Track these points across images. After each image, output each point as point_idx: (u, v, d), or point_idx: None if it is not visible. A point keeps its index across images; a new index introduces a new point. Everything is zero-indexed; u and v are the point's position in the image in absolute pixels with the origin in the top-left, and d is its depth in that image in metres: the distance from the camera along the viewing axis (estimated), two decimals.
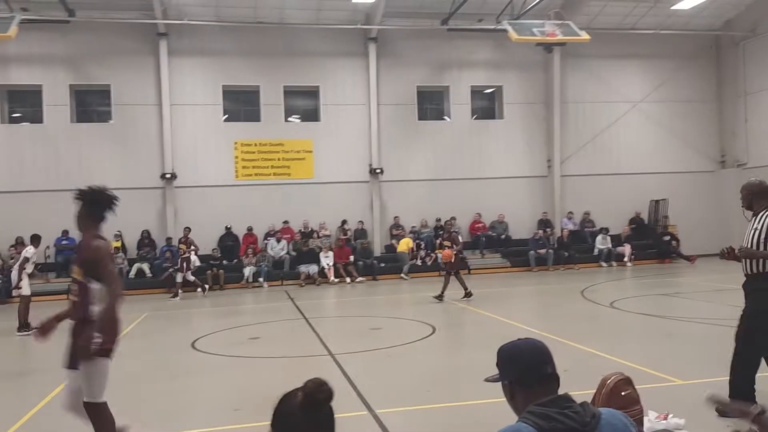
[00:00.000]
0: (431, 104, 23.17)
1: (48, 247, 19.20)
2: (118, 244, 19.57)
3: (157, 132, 20.40)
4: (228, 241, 20.43)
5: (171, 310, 15.31)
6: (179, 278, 17.60)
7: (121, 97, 20.29)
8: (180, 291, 17.34)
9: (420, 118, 22.48)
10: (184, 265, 17.74)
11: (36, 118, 20.12)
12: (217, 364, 8.70)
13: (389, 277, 19.78)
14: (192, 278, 17.79)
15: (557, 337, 8.51)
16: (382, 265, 20.44)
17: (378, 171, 21.53)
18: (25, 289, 12.09)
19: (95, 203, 4.47)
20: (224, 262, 19.69)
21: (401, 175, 21.82)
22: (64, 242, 19.36)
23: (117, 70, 20.17)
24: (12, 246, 18.32)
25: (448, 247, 14.33)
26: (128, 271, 19.13)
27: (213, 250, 19.86)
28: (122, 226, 19.64)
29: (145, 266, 19.32)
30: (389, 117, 21.86)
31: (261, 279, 19.24)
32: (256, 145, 21.15)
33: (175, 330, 12.45)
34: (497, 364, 2.17)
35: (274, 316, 13.07)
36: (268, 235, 20.69)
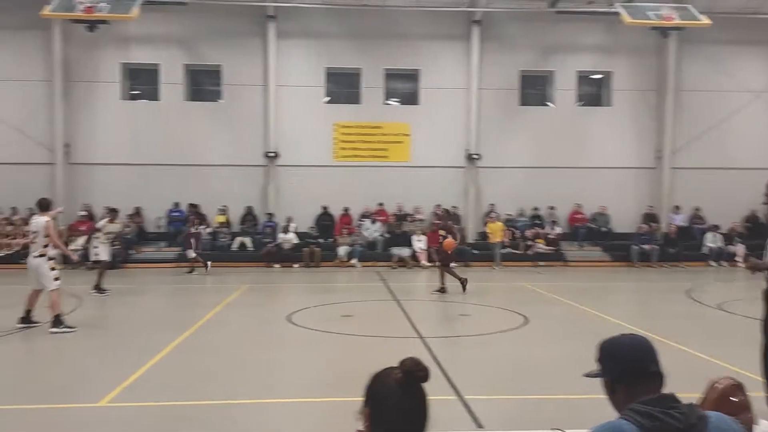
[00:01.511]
0: (534, 89, 22.54)
1: (160, 217, 20.46)
2: (224, 218, 20.56)
3: (262, 112, 21.13)
4: (324, 221, 20.92)
5: (270, 284, 15.93)
6: (191, 254, 17.57)
7: (230, 78, 21.16)
8: (196, 266, 17.48)
9: (521, 104, 21.95)
10: (193, 241, 17.69)
11: (153, 95, 21.38)
12: (310, 338, 8.97)
13: (482, 265, 19.57)
14: (193, 255, 17.51)
15: (658, 336, 8.11)
16: (475, 252, 20.24)
17: (475, 156, 21.27)
18: (102, 255, 13.25)
19: None
20: (320, 240, 20.19)
21: (499, 161, 21.45)
22: (175, 214, 20.55)
23: (228, 51, 21.02)
24: (129, 215, 19.62)
25: (444, 238, 13.41)
26: (230, 245, 20.05)
27: (310, 228, 20.41)
28: (227, 201, 20.63)
29: (248, 240, 20.15)
30: (489, 102, 21.48)
31: (354, 259, 19.60)
32: (355, 127, 21.45)
33: (273, 303, 12.95)
34: (598, 359, 2.08)
35: (367, 296, 13.29)
36: (363, 216, 21.01)
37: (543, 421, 5.36)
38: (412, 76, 21.89)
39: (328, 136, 21.36)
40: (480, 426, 5.16)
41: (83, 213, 17.79)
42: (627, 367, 1.99)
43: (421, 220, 20.81)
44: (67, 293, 12.33)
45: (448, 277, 13.40)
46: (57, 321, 9.15)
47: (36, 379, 6.87)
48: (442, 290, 13.25)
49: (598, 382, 2.09)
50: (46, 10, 17.36)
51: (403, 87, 22.35)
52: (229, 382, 6.53)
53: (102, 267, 13.17)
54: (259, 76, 21.10)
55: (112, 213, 14.03)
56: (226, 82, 21.23)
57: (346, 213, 20.98)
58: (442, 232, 13.72)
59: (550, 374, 6.98)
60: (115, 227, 13.79)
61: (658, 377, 1.99)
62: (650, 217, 21.31)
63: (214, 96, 21.67)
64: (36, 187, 18.82)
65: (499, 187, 21.48)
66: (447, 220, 14.27)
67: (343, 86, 22.12)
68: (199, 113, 21.23)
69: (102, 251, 13.25)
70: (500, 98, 21.61)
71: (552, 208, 21.35)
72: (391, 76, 21.81)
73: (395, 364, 1.86)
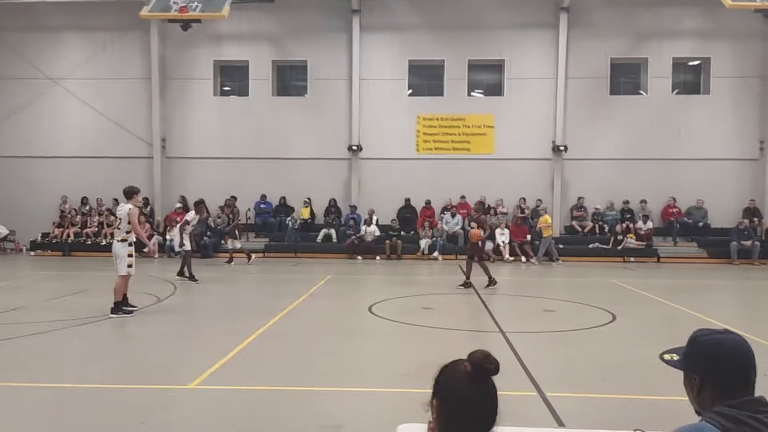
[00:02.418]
0: (626, 78, 21.63)
1: (249, 209, 21.20)
2: (308, 210, 21.04)
3: (346, 105, 21.42)
4: (406, 213, 20.99)
5: (352, 275, 16.16)
6: (237, 245, 17.88)
7: (316, 72, 21.58)
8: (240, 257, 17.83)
9: (612, 93, 21.11)
10: (237, 232, 18.04)
11: (243, 91, 22.13)
12: (390, 329, 9.03)
13: (567, 259, 19.03)
14: (239, 245, 17.90)
15: (758, 338, 7.60)
16: (561, 246, 19.70)
17: (561, 148, 20.67)
18: (188, 246, 13.87)
19: None
20: (402, 233, 20.27)
21: (587, 153, 20.77)
22: (262, 206, 21.24)
23: (313, 46, 21.45)
24: (221, 206, 20.44)
25: (474, 229, 13.06)
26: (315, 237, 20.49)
27: (392, 221, 20.53)
28: (311, 193, 21.10)
29: (332, 232, 20.53)
30: (577, 91, 20.81)
31: (436, 252, 19.55)
32: (437, 119, 21.36)
33: (355, 294, 13.13)
34: (687, 353, 1.93)
35: (447, 289, 13.23)
36: (444, 209, 20.90)
37: (626, 422, 5.15)
38: (496, 67, 21.52)
39: (411, 128, 21.38)
40: (561, 424, 5.01)
41: (179, 205, 18.68)
42: (727, 373, 1.82)
43: (504, 213, 20.48)
44: (161, 279, 13.01)
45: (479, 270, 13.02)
46: (117, 306, 9.55)
47: (132, 361, 7.29)
48: (467, 284, 12.82)
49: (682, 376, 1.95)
50: (145, 11, 18.33)
51: (487, 78, 22.03)
52: (312, 370, 6.68)
53: (187, 256, 13.77)
54: (343, 70, 21.40)
55: (198, 206, 14.64)
56: (311, 77, 21.66)
57: (428, 206, 20.94)
58: (474, 225, 13.46)
59: (637, 375, 6.69)
60: (196, 218, 14.46)
61: (752, 383, 1.84)
62: (752, 212, 20.01)
63: (300, 91, 22.17)
64: (135, 180, 19.93)
65: (587, 179, 20.81)
66: (481, 212, 13.85)
67: (426, 78, 22.06)
68: (286, 108, 21.78)
69: (187, 241, 13.87)
70: (589, 87, 20.89)
71: (644, 201, 20.44)
72: (474, 67, 21.54)
73: (464, 356, 1.83)
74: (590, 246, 19.54)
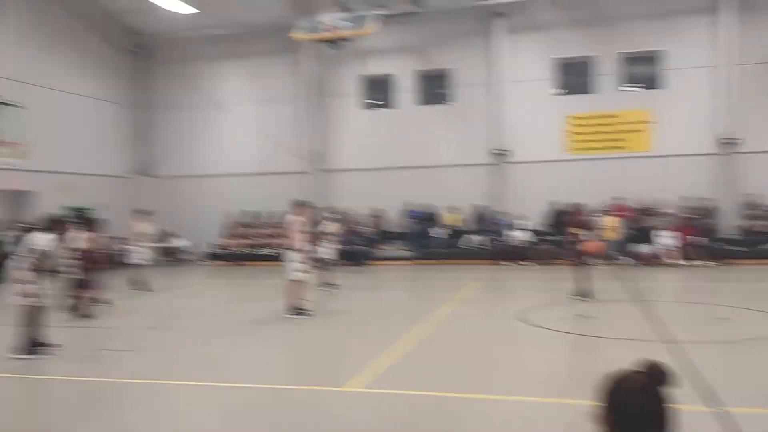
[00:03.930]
0: None
1: (395, 218, 21.61)
2: (455, 217, 21.09)
3: (490, 110, 21.22)
4: (556, 217, 20.27)
5: (500, 281, 15.94)
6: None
7: (458, 79, 21.63)
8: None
9: None
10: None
11: (388, 103, 22.74)
12: (543, 336, 8.78)
13: (742, 262, 17.34)
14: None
15: None
16: (732, 248, 17.99)
17: (730, 141, 18.91)
18: (326, 254, 14.03)
19: None
20: (551, 237, 19.60)
21: (762, 146, 18.81)
22: (409, 214, 21.60)
23: (456, 53, 21.53)
24: (370, 216, 21.11)
25: (577, 236, 11.55)
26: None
27: (541, 225, 19.94)
28: (457, 200, 21.11)
29: (478, 238, 20.38)
30: (748, 78, 18.94)
31: None
32: (588, 117, 20.48)
33: (504, 300, 12.93)
34: None
35: (603, 295, 12.60)
36: (597, 211, 19.90)
37: None
38: (649, 59, 20.21)
39: (559, 129, 20.69)
40: None
41: (329, 216, 19.47)
42: None
43: (665, 213, 19.11)
44: (313, 286, 13.62)
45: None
46: (291, 308, 10.39)
47: (300, 363, 7.74)
48: (584, 294, 11.53)
49: None
50: (296, 33, 19.43)
51: (641, 71, 20.72)
52: (465, 377, 6.67)
53: (325, 265, 14.16)
54: (486, 74, 21.24)
55: (334, 216, 15.07)
56: (454, 84, 21.73)
57: (579, 208, 20.05)
58: (573, 230, 12.03)
59: None
60: (332, 227, 14.75)
61: None
62: None
63: (444, 98, 22.32)
64: (292, 194, 21.22)
65: (763, 174, 18.83)
66: (579, 215, 12.34)
67: (572, 76, 21.24)
68: (430, 116, 22.03)
69: (326, 251, 14.28)
70: (763, 73, 18.92)
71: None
72: (625, 60, 20.38)
73: (634, 367, 1.75)
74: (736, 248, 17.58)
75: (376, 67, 22.65)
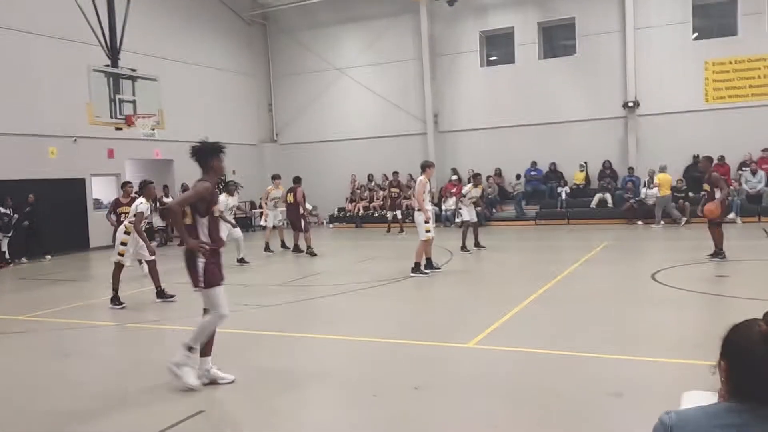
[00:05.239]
0: None
1: (518, 175, 21.16)
2: (582, 175, 20.28)
3: (619, 60, 19.99)
4: (694, 171, 18.88)
5: (632, 241, 15.21)
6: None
7: (584, 28, 20.51)
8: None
9: None
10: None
11: (508, 58, 22.05)
12: (677, 297, 8.32)
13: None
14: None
15: None
16: None
17: None
18: (465, 216, 13.86)
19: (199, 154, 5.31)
20: (690, 194, 18.33)
21: None
22: (532, 173, 21.06)
23: (581, 1, 20.38)
24: (490, 176, 20.82)
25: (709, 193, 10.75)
26: (589, 202, 19.69)
27: (678, 180, 18.69)
28: (586, 156, 20.27)
29: (607, 196, 19.50)
30: None
31: (732, 214, 17.29)
32: (730, 63, 18.71)
33: (635, 260, 12.34)
34: None
35: (748, 255, 11.67)
36: (742, 165, 18.34)
37: None
38: None
39: (698, 76, 19.10)
40: None
41: (454, 177, 19.46)
42: None
43: None
44: (439, 247, 13.74)
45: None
46: (416, 266, 10.59)
47: (419, 319, 7.94)
48: (717, 254, 10.83)
49: None
50: None
51: None
52: (590, 336, 6.51)
53: (466, 227, 14.17)
54: (615, 21, 19.98)
55: (476, 178, 14.83)
56: (579, 34, 20.64)
57: (721, 162, 18.56)
58: (706, 187, 11.25)
59: None
60: (477, 192, 14.59)
61: None
62: None
63: (568, 50, 21.31)
64: (411, 155, 21.42)
65: None
66: (711, 170, 11.13)
67: (713, 18, 19.44)
68: (554, 70, 21.14)
69: (465, 212, 14.21)
70: None
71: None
72: None
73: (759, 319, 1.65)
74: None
75: (496, 22, 22.00)
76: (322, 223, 24.04)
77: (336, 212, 23.48)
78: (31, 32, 16.87)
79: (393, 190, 20.07)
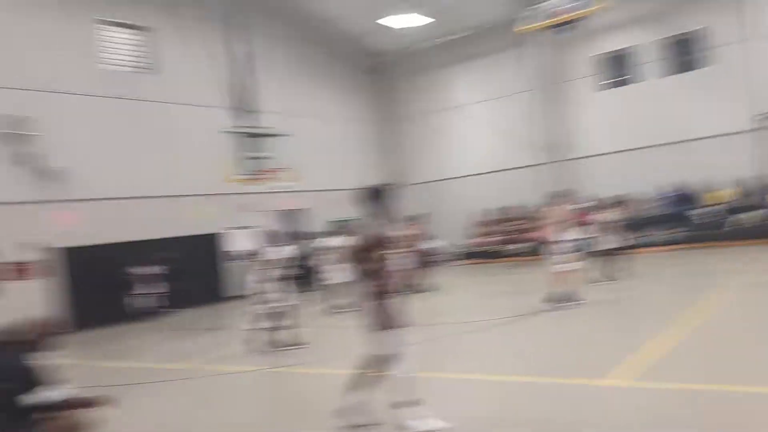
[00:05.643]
0: None
1: (649, 198, 20.16)
2: (722, 193, 19.04)
3: (748, 70, 18.81)
4: None
5: None
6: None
7: (707, 41, 19.56)
8: None
9: None
10: None
11: (624, 80, 21.37)
12: None
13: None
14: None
15: None
16: None
17: None
18: (602, 245, 13.57)
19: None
20: None
21: None
22: (663, 196, 20.02)
23: (701, 12, 19.53)
24: (619, 202, 19.95)
25: None
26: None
27: None
28: (717, 175, 19.06)
29: (750, 216, 18.08)
30: None
31: None
32: None
33: None
34: None
35: None
36: None
37: None
38: None
39: None
40: None
41: (582, 204, 18.81)
42: None
43: None
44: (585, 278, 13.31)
45: None
46: (552, 297, 10.43)
47: (561, 355, 7.75)
48: None
49: None
50: (521, 26, 19.25)
51: None
52: (741, 369, 6.09)
53: (605, 256, 13.65)
54: (740, 30, 18.88)
55: (612, 203, 14.38)
56: (702, 47, 19.68)
57: None
58: None
59: None
60: (614, 215, 14.09)
61: None
62: None
63: (691, 65, 20.32)
64: (532, 187, 21.14)
65: None
66: None
67: None
68: (677, 86, 20.25)
69: (602, 241, 13.70)
70: None
71: None
72: None
73: None
74: None
75: (611, 43, 21.49)
76: (448, 260, 24.10)
77: (463, 248, 23.40)
78: (172, 102, 18.36)
79: (520, 222, 19.94)
